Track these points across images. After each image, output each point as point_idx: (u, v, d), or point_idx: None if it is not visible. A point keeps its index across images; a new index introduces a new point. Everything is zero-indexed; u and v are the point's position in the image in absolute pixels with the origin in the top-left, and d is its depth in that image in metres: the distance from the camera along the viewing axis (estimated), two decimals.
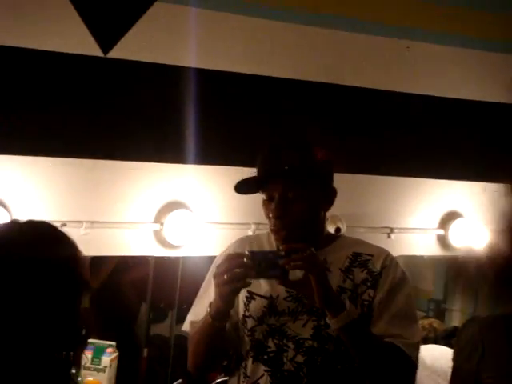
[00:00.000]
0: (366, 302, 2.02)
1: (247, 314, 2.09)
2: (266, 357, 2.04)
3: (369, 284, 2.03)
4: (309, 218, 2.03)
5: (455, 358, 2.12)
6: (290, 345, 2.02)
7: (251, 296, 2.09)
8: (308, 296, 1.94)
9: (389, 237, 3.34)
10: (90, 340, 2.88)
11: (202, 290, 2.22)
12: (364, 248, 2.10)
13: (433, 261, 3.83)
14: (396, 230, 3.36)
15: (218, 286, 1.93)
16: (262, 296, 2.07)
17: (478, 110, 3.45)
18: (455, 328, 3.88)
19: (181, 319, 3.44)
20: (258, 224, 3.00)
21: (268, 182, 2.00)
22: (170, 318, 3.50)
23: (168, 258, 3.06)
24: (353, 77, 3.24)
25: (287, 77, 3.09)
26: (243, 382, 2.08)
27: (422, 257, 3.57)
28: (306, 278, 1.88)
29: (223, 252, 2.20)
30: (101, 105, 2.82)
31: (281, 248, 1.95)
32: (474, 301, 4.02)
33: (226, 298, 1.93)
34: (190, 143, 2.91)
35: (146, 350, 3.27)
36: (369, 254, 2.08)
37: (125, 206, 2.89)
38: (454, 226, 3.51)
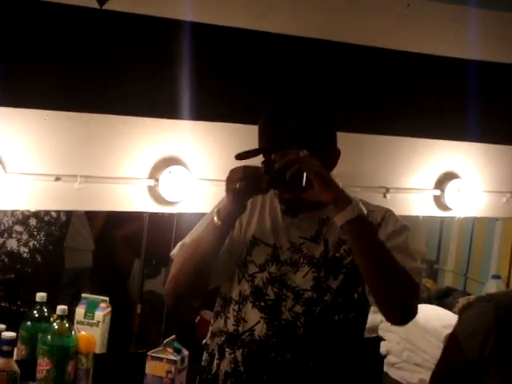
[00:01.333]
0: None
1: (249, 258, 2.10)
2: (263, 304, 2.06)
3: None
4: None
5: (458, 338, 2.09)
6: (290, 294, 2.04)
7: (255, 242, 2.10)
8: (317, 197, 1.95)
9: (384, 196, 3.34)
10: (83, 295, 2.92)
11: (196, 225, 2.25)
12: (365, 205, 2.08)
13: (427, 221, 3.83)
14: (392, 190, 3.37)
15: (231, 190, 1.97)
16: (266, 243, 2.09)
17: (479, 70, 3.41)
18: (448, 288, 3.92)
19: None
20: None
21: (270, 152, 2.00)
22: (163, 275, 3.45)
23: (162, 214, 3.03)
24: (352, 34, 3.20)
25: (285, 33, 3.06)
26: (234, 325, 2.09)
27: (417, 217, 3.56)
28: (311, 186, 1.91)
29: (216, 206, 2.18)
30: (96, 58, 2.79)
31: (273, 158, 1.96)
32: (467, 262, 4.07)
33: (240, 201, 1.97)
34: (186, 98, 2.89)
35: (139, 306, 3.26)
36: (370, 210, 2.07)
37: (119, 160, 2.87)
38: (451, 186, 3.51)
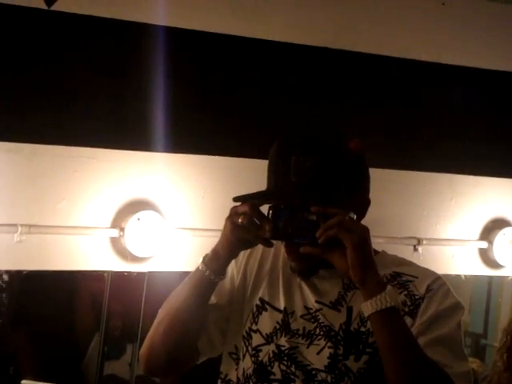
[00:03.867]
0: None
1: (254, 327, 2.07)
2: None
3: (406, 310, 1.98)
4: None
5: None
6: (299, 374, 2.01)
7: (263, 306, 2.07)
8: (341, 269, 1.89)
9: (415, 250, 3.35)
10: (23, 381, 2.87)
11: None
12: (408, 268, 2.05)
13: (470, 282, 3.81)
14: (425, 242, 3.37)
15: (227, 227, 1.92)
16: (275, 308, 2.06)
17: None
18: None
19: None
20: None
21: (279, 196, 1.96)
22: (128, 354, 3.47)
23: (129, 273, 3.01)
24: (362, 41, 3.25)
25: (275, 39, 3.09)
26: None
27: (457, 276, 3.55)
28: (341, 248, 1.84)
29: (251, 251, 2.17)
30: (44, 72, 2.78)
31: (312, 210, 1.90)
32: None
33: (232, 245, 1.92)
34: (158, 126, 2.90)
35: None
36: (412, 276, 2.03)
37: (72, 205, 2.85)
38: (501, 236, 3.51)
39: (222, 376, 2.13)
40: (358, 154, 2.01)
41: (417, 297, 1.98)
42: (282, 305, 2.05)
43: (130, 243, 2.89)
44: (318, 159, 1.93)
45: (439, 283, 2.01)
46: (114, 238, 2.90)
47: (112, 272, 3.02)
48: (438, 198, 3.45)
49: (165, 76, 2.87)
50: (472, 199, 3.49)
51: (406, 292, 2.00)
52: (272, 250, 2.09)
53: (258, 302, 2.07)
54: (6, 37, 2.72)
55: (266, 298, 2.07)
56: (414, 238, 3.35)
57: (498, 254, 3.51)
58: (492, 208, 3.53)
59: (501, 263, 3.54)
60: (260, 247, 2.11)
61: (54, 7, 2.47)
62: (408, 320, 1.96)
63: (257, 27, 3.05)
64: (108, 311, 3.17)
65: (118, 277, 3.06)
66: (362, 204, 2.02)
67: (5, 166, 2.73)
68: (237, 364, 2.11)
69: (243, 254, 2.13)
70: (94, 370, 3.32)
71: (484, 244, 3.52)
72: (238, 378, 2.10)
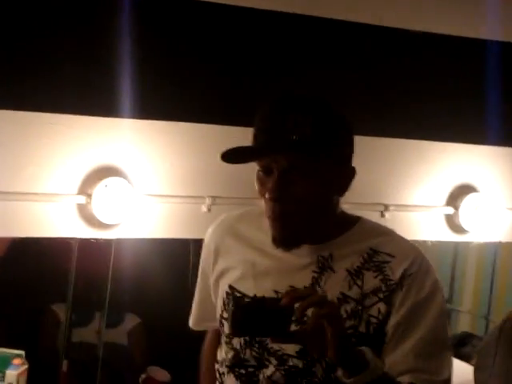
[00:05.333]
0: (373, 320, 1.97)
1: (225, 315, 2.07)
2: (243, 371, 2.05)
3: (381, 296, 1.97)
4: (318, 205, 1.97)
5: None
6: (272, 359, 2.01)
7: (232, 293, 2.07)
8: (317, 349, 1.87)
9: (382, 216, 3.36)
10: None
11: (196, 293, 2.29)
12: (385, 243, 2.02)
13: (436, 248, 3.82)
14: (392, 208, 3.38)
15: None
16: (244, 295, 2.04)
17: (504, 53, 3.44)
18: (464, 334, 3.92)
19: (112, 322, 3.48)
20: (215, 198, 2.99)
21: (268, 153, 1.92)
22: (97, 321, 3.46)
23: (96, 240, 2.99)
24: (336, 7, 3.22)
25: (248, 5, 3.04)
26: None
27: (424, 242, 3.54)
28: (314, 328, 1.81)
29: (208, 237, 2.22)
30: (8, 39, 2.73)
31: (280, 296, 1.87)
32: (488, 300, 4.08)
33: None
34: (126, 91, 2.85)
35: (65, 362, 3.25)
36: (389, 254, 2.00)
37: (39, 171, 2.82)
38: (467, 202, 3.53)
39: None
40: (349, 124, 2.00)
41: (392, 282, 1.96)
42: (250, 291, 2.03)
43: (98, 210, 2.87)
44: (317, 118, 1.90)
45: (416, 266, 1.99)
46: (81, 204, 2.87)
47: (79, 239, 3.00)
48: (405, 165, 3.46)
49: (132, 41, 2.83)
50: (438, 165, 3.51)
51: (381, 276, 1.97)
52: (242, 230, 2.14)
53: (228, 290, 2.07)
54: None
55: (235, 285, 2.07)
56: (381, 204, 3.36)
57: (463, 219, 3.54)
58: (458, 174, 3.55)
59: (466, 229, 3.56)
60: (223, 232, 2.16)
61: None
62: (383, 307, 1.95)
63: None
64: (75, 278, 3.14)
65: (85, 244, 3.03)
66: (350, 171, 2.00)
67: None
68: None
69: (213, 247, 2.18)
70: (62, 337, 3.32)
71: (450, 210, 3.54)
72: (221, 359, 2.14)
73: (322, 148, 1.89)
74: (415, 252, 2.02)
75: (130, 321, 3.66)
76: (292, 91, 2.00)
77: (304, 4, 3.15)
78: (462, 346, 3.70)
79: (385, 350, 1.98)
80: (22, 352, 2.85)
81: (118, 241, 3.04)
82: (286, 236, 1.96)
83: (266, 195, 1.91)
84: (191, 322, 2.30)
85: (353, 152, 1.99)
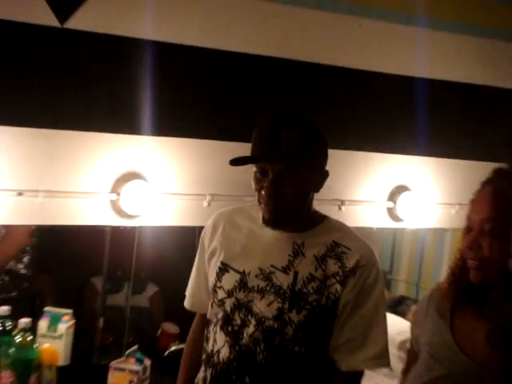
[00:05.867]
0: (332, 296, 2.00)
1: (219, 284, 2.08)
2: (230, 329, 2.05)
3: (338, 279, 2.01)
4: (300, 199, 2.01)
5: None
6: (253, 321, 2.01)
7: (225, 268, 2.08)
8: None
9: (339, 209, 3.34)
10: (46, 308, 2.87)
11: (193, 268, 2.28)
12: (344, 238, 2.06)
13: (380, 233, 3.85)
14: (347, 202, 3.37)
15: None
16: (235, 270, 2.06)
17: (429, 87, 3.45)
18: (401, 296, 3.94)
19: (137, 290, 3.49)
20: (213, 195, 2.99)
21: (267, 160, 1.95)
22: (125, 289, 3.46)
23: (124, 227, 2.99)
24: (306, 52, 3.20)
25: (242, 51, 3.04)
26: (210, 346, 2.12)
27: (370, 228, 3.57)
28: None
29: (207, 225, 2.21)
30: (58, 76, 2.73)
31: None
32: (418, 271, 4.08)
33: None
34: (147, 115, 2.86)
35: (101, 320, 3.23)
36: (346, 247, 2.03)
37: (81, 175, 2.82)
38: (402, 198, 3.53)
39: (208, 316, 2.18)
40: (325, 139, 2.02)
41: (347, 269, 2.00)
42: (240, 267, 2.05)
43: (125, 204, 2.87)
44: (303, 135, 1.92)
45: (366, 258, 2.04)
46: (113, 200, 2.88)
47: (111, 226, 3.00)
48: (356, 170, 3.46)
49: (152, 76, 2.84)
50: (381, 171, 3.52)
51: (339, 264, 2.01)
52: (235, 217, 2.17)
53: (221, 265, 2.09)
54: (27, 49, 2.67)
55: (227, 261, 2.09)
56: (339, 199, 3.35)
57: (400, 211, 3.54)
58: (396, 177, 3.56)
59: (402, 218, 3.57)
60: (223, 221, 2.17)
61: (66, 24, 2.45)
62: (339, 287, 2.00)
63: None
64: (108, 257, 3.16)
65: (116, 230, 3.04)
66: (325, 174, 2.05)
67: (28, 147, 2.69)
68: (210, 310, 2.15)
69: (210, 233, 2.19)
70: (99, 301, 3.34)
71: (390, 204, 3.55)
72: (211, 319, 2.15)
73: (306, 158, 1.93)
74: (366, 248, 2.07)
75: (151, 289, 3.66)
76: (282, 113, 2.02)
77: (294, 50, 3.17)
78: (399, 306, 3.71)
79: (337, 327, 2.02)
80: (70, 311, 2.88)
81: (140, 228, 3.05)
82: (273, 218, 1.99)
83: (262, 191, 1.95)
84: (186, 303, 2.28)
85: (327, 159, 2.03)
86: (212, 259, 2.13)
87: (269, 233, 2.05)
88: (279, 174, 1.92)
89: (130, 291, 3.41)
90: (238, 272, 2.05)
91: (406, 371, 2.30)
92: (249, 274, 2.04)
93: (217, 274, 2.09)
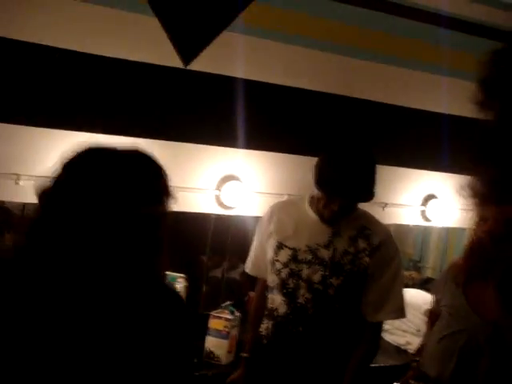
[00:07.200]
0: (362, 266, 2.04)
1: (276, 258, 2.11)
2: (285, 291, 2.07)
3: (366, 253, 2.04)
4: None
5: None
6: (303, 285, 2.04)
7: (280, 246, 2.11)
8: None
9: (383, 209, 3.28)
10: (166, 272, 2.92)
11: (253, 242, 2.31)
12: (369, 223, 2.09)
13: (414, 229, 3.80)
14: (389, 205, 3.33)
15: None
16: (288, 247, 2.09)
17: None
18: (428, 278, 3.87)
19: (232, 266, 3.45)
20: (290, 195, 2.96)
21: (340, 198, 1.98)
22: (224, 265, 3.42)
23: (223, 215, 3.02)
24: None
25: (312, 88, 3.04)
26: (270, 304, 2.15)
27: (408, 225, 3.54)
28: None
29: (265, 213, 2.23)
30: (179, 111, 2.78)
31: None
32: (441, 260, 3.99)
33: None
34: (242, 134, 2.87)
35: (204, 287, 3.28)
36: (371, 229, 2.07)
37: (197, 177, 2.87)
38: (431, 204, 3.48)
39: (267, 283, 2.20)
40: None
41: (373, 246, 2.04)
42: (292, 244, 2.08)
43: (225, 198, 2.91)
44: (368, 176, 2.00)
45: (388, 239, 2.08)
46: (217, 195, 2.92)
47: (214, 214, 3.03)
48: (401, 182, 3.42)
49: (245, 111, 2.84)
50: (407, 183, 3.45)
51: (367, 242, 2.06)
52: (288, 209, 2.18)
53: (277, 243, 2.12)
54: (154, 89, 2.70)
55: (282, 241, 2.12)
56: (383, 202, 3.27)
57: (429, 213, 3.48)
58: (424, 188, 3.48)
59: (430, 219, 3.49)
60: (278, 211, 2.17)
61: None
62: (367, 259, 2.04)
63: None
64: (211, 237, 3.18)
65: (218, 217, 3.06)
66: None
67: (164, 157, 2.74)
68: (269, 278, 2.17)
69: (267, 220, 2.19)
70: (204, 273, 3.33)
71: (423, 208, 3.49)
72: (270, 285, 2.16)
73: (368, 194, 2.01)
74: (387, 230, 2.13)
75: (242, 266, 3.61)
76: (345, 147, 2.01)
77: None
78: (426, 284, 3.63)
79: (367, 286, 2.06)
80: (184, 275, 2.92)
81: (236, 216, 3.06)
82: (332, 221, 2.06)
83: (332, 207, 1.98)
84: (247, 267, 2.31)
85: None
86: (269, 239, 2.16)
87: (313, 218, 2.06)
88: (347, 203, 1.99)
89: (226, 266, 3.39)
90: (291, 248, 2.08)
91: (428, 325, 2.29)
92: (299, 250, 2.07)
93: (274, 251, 2.11)
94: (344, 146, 2.04)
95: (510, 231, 0.42)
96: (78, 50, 2.42)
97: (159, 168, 1.26)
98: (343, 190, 1.94)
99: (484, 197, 0.48)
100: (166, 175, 1.27)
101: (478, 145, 0.49)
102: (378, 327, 2.12)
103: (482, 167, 0.48)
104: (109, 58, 2.51)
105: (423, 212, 3.49)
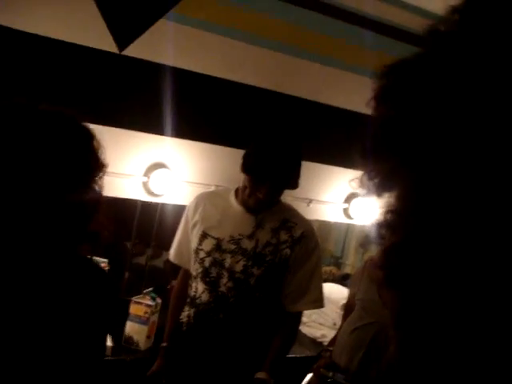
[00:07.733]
0: (283, 257, 2.09)
1: (200, 247, 2.13)
2: (207, 279, 2.10)
3: (288, 245, 2.09)
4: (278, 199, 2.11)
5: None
6: (225, 274, 2.07)
7: (205, 235, 2.13)
8: None
9: (308, 205, 3.34)
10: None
11: (178, 231, 2.30)
12: (292, 216, 2.14)
13: (336, 226, 3.88)
14: (314, 201, 3.38)
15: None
16: (212, 236, 2.12)
17: None
18: (346, 274, 3.98)
19: (155, 254, 3.48)
20: (217, 186, 2.97)
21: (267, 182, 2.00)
22: (147, 253, 3.44)
23: (151, 202, 3.01)
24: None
25: (243, 82, 3.03)
26: (193, 292, 2.17)
27: (329, 222, 3.59)
28: None
29: (191, 202, 2.24)
30: (109, 95, 2.72)
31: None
32: (361, 257, 4.13)
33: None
34: (173, 122, 2.82)
35: (127, 274, 3.25)
36: (293, 222, 2.12)
37: (126, 164, 2.84)
38: (354, 202, 3.57)
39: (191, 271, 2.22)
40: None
41: (294, 238, 2.08)
42: (216, 234, 2.12)
43: (153, 185, 2.90)
44: (294, 162, 2.02)
45: (308, 232, 2.12)
46: (145, 181, 2.90)
47: (141, 201, 3.01)
48: (322, 180, 3.46)
49: (174, 98, 2.81)
50: (329, 179, 3.52)
51: (289, 234, 2.11)
52: (213, 199, 2.19)
53: (202, 233, 2.14)
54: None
55: (207, 231, 2.14)
56: (308, 198, 3.36)
57: (352, 211, 3.57)
58: (347, 187, 3.52)
59: (353, 217, 3.58)
60: (203, 201, 2.19)
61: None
62: (288, 251, 2.08)
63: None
64: (137, 224, 3.17)
65: (145, 204, 3.05)
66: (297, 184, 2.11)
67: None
68: (192, 267, 2.18)
69: (193, 209, 2.20)
70: (127, 259, 3.30)
71: (345, 205, 3.57)
72: (193, 273, 2.18)
73: (294, 180, 2.04)
74: (309, 224, 2.17)
75: (166, 255, 3.60)
76: (271, 134, 2.04)
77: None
78: (345, 280, 3.75)
79: (288, 275, 2.10)
80: (107, 260, 2.89)
81: (163, 204, 3.07)
82: (258, 209, 2.09)
83: (257, 194, 2.01)
84: (171, 255, 2.31)
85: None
86: (194, 229, 2.18)
87: (238, 210, 2.10)
88: (272, 190, 2.01)
89: (150, 255, 3.40)
90: (215, 238, 2.11)
91: (343, 318, 2.37)
92: (223, 239, 2.10)
93: (199, 239, 2.14)
94: (273, 133, 2.08)
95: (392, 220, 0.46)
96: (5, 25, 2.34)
97: (90, 136, 1.11)
98: (270, 173, 1.97)
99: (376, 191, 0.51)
100: (99, 146, 1.13)
101: (376, 137, 0.51)
102: (296, 317, 2.18)
103: (382, 158, 0.48)
104: (40, 36, 2.44)
105: (346, 210, 3.57)
